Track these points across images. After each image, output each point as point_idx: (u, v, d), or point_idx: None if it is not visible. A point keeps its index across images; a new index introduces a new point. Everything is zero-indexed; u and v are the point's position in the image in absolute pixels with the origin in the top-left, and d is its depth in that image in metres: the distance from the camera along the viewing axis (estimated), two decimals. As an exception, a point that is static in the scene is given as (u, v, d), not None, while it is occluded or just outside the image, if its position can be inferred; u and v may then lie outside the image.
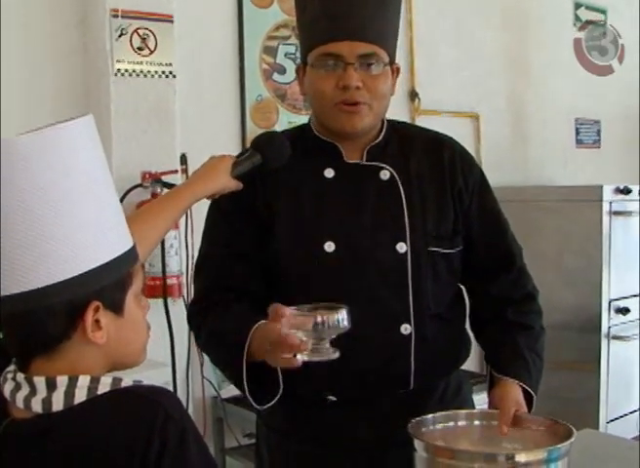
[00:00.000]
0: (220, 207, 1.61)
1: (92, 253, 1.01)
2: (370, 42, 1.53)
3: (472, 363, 1.78)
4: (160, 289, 2.82)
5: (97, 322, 1.03)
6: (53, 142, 0.99)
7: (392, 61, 1.60)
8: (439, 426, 1.45)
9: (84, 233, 1.01)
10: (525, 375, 1.60)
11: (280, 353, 1.34)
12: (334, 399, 1.60)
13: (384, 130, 1.66)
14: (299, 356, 1.33)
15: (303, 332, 1.31)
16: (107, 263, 1.03)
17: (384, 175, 1.61)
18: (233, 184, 1.52)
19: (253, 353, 1.45)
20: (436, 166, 1.66)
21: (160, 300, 2.82)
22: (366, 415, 1.60)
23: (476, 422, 1.49)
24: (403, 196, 1.60)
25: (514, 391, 1.55)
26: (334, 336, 1.34)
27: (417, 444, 1.34)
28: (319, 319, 1.31)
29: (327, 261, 1.56)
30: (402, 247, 1.57)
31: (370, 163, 1.62)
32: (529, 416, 1.49)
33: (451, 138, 1.74)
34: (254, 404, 1.51)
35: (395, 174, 1.61)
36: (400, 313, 1.57)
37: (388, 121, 1.69)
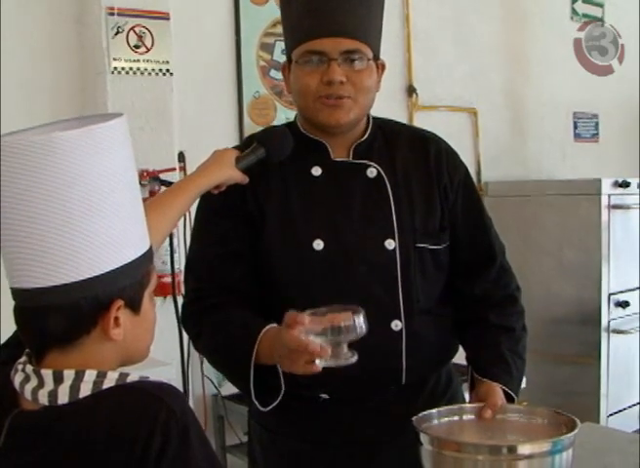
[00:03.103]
0: (212, 206, 1.61)
1: (119, 252, 1.03)
2: (353, 38, 1.53)
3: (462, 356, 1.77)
4: (161, 286, 2.82)
5: (115, 319, 1.04)
6: (95, 141, 1.01)
7: (377, 57, 1.59)
8: (444, 420, 1.45)
9: (113, 231, 1.03)
10: (507, 379, 1.59)
11: (299, 360, 1.33)
12: (326, 397, 1.61)
13: (370, 127, 1.66)
14: (318, 362, 1.32)
15: (322, 338, 1.31)
16: (131, 262, 1.05)
17: (371, 172, 1.61)
18: (239, 176, 1.52)
19: (260, 358, 1.46)
20: (422, 163, 1.66)
21: (159, 298, 2.82)
22: (359, 412, 1.60)
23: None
24: (390, 193, 1.60)
25: (498, 391, 1.55)
26: (350, 340, 1.33)
27: (422, 437, 1.35)
28: (337, 325, 1.30)
29: (316, 260, 1.56)
30: (390, 243, 1.58)
31: (357, 161, 1.62)
32: (533, 408, 1.50)
33: (436, 136, 1.74)
34: (259, 406, 1.51)
35: (382, 171, 1.61)
36: (390, 309, 1.58)
37: (373, 118, 1.69)
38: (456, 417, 1.47)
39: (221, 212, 1.60)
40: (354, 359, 1.34)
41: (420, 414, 1.41)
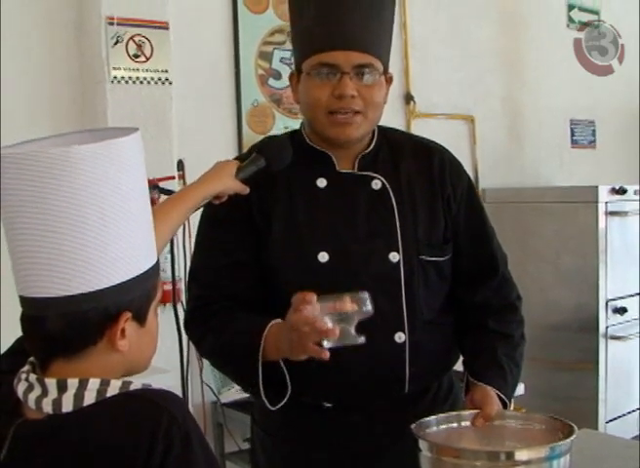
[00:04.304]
0: (217, 216, 1.60)
1: (130, 264, 1.04)
2: (365, 52, 1.53)
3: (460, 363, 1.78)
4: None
5: (122, 331, 1.05)
6: (114, 154, 1.02)
7: (386, 71, 1.60)
8: (442, 427, 1.46)
9: (126, 244, 1.03)
10: (501, 383, 1.60)
11: (308, 341, 1.33)
12: (329, 405, 1.61)
13: (375, 138, 1.67)
14: (325, 343, 1.32)
15: (329, 317, 1.31)
16: (141, 275, 1.06)
17: (376, 184, 1.61)
18: (238, 186, 1.52)
19: (267, 353, 1.46)
20: (426, 173, 1.66)
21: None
22: (361, 419, 1.61)
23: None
24: (395, 205, 1.60)
25: (493, 399, 1.56)
26: (358, 321, 1.34)
27: (421, 444, 1.36)
28: (344, 304, 1.32)
29: (321, 272, 1.56)
30: (395, 256, 1.58)
31: (362, 173, 1.62)
32: (531, 414, 1.50)
33: (439, 146, 1.74)
34: (268, 405, 1.51)
35: (387, 183, 1.61)
36: (394, 322, 1.58)
37: (378, 127, 1.69)
38: (454, 424, 1.48)
39: (226, 221, 1.60)
40: (362, 339, 1.35)
41: (419, 422, 1.42)
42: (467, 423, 1.49)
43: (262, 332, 1.46)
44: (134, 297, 1.05)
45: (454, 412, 1.52)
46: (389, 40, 1.62)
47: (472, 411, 1.51)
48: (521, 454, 1.30)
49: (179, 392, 2.86)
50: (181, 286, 2.92)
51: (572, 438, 1.32)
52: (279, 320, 1.46)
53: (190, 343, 2.77)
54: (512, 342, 1.68)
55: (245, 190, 1.54)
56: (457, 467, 1.31)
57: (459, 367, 1.76)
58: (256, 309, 1.60)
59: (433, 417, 1.46)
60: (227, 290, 1.60)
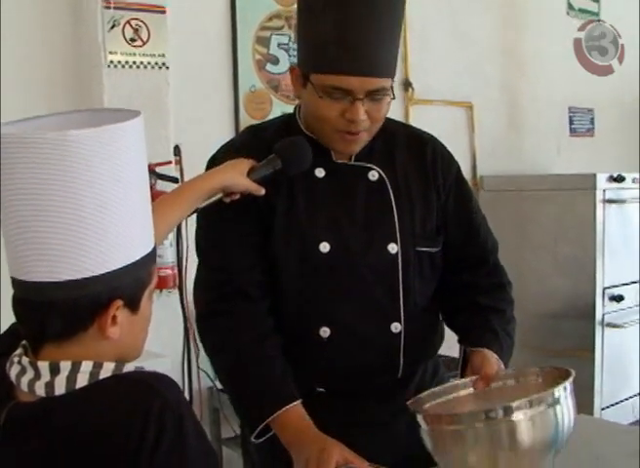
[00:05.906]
0: (225, 207, 1.56)
1: (126, 251, 1.03)
2: (379, 77, 1.49)
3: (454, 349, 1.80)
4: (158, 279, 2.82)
5: (113, 318, 1.04)
6: (112, 140, 1.00)
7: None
8: (439, 400, 1.46)
9: (123, 230, 1.02)
10: (497, 347, 1.60)
11: None
12: (322, 390, 1.63)
13: None
14: None
15: None
16: (137, 261, 1.05)
17: (373, 175, 1.61)
18: (252, 186, 1.51)
19: (275, 427, 1.52)
20: (419, 164, 1.66)
21: (155, 291, 2.82)
22: (352, 403, 1.62)
23: (470, 390, 1.50)
24: (392, 197, 1.60)
25: (492, 360, 1.55)
26: None
27: (419, 418, 1.35)
28: None
29: (322, 262, 1.56)
30: (393, 248, 1.58)
31: (358, 163, 1.62)
32: (524, 369, 1.50)
33: (431, 136, 1.73)
34: (252, 438, 1.54)
35: (383, 174, 1.61)
36: (391, 312, 1.59)
37: None
38: (450, 396, 1.48)
39: (238, 208, 1.56)
40: None
41: (415, 397, 1.43)
42: (464, 392, 1.49)
43: (274, 412, 1.51)
44: (127, 284, 1.04)
45: (448, 384, 1.52)
46: (397, 51, 1.57)
47: (466, 380, 1.51)
48: (520, 405, 1.26)
49: (175, 377, 2.87)
50: (175, 271, 2.91)
51: (570, 379, 1.32)
52: (298, 405, 1.52)
53: (189, 329, 2.80)
54: (504, 316, 1.68)
55: (260, 191, 1.52)
56: (457, 434, 1.29)
57: (444, 351, 1.78)
58: (265, 299, 1.60)
59: (429, 391, 1.47)
60: (243, 275, 1.58)
